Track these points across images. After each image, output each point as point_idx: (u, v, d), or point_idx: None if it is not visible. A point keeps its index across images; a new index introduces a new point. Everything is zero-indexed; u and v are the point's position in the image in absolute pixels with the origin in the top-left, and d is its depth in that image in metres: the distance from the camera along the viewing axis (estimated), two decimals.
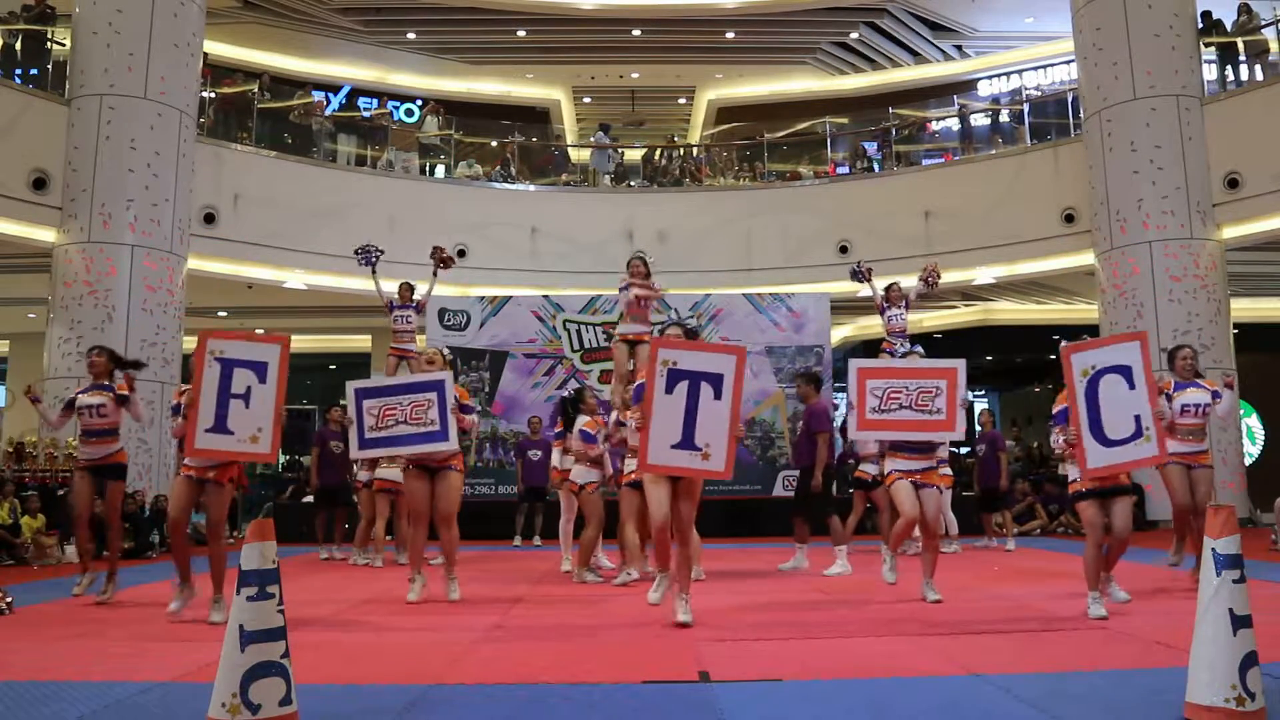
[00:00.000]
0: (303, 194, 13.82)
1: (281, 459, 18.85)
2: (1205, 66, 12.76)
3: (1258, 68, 12.88)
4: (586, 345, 13.17)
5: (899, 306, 9.69)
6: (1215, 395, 6.03)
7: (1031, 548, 9.77)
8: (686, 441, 4.79)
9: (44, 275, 11.68)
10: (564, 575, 7.48)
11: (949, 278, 14.77)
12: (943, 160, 15.71)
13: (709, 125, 20.50)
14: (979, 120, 16.57)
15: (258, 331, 18.25)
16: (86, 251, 11.10)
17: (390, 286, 10.17)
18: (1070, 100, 14.61)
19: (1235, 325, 12.52)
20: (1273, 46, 13.04)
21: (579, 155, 17.73)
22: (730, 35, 18.09)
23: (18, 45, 12.24)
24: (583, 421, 7.34)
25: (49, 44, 12.22)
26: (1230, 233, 12.23)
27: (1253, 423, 15.86)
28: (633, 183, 16.42)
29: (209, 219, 12.89)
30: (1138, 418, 4.86)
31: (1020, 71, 18.91)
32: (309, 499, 11.15)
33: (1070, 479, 5.29)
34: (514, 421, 12.74)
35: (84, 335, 10.87)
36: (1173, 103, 12.14)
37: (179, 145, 11.71)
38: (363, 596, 6.43)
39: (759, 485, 12.73)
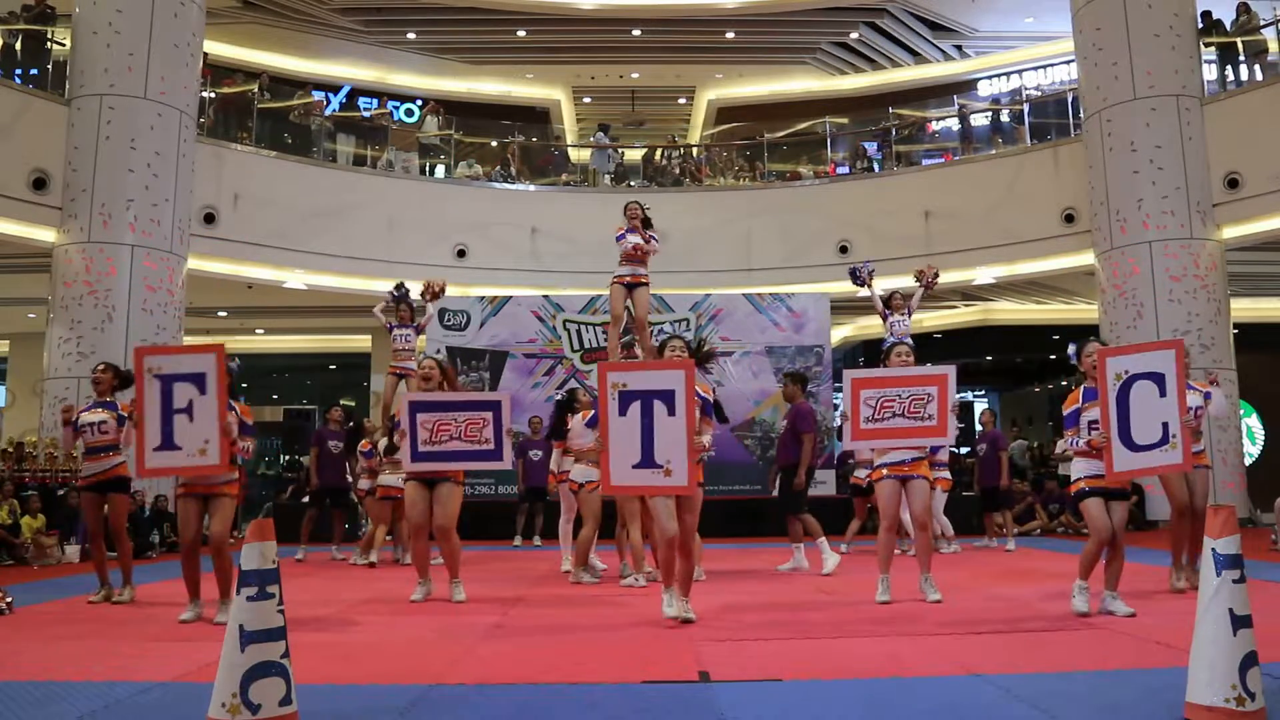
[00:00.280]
0: (303, 194, 13.82)
1: (282, 458, 18.89)
2: (1205, 66, 12.76)
3: (1257, 68, 12.88)
4: (586, 345, 13.17)
5: (902, 313, 9.65)
6: (1206, 396, 6.02)
7: (1031, 548, 9.76)
8: (647, 460, 4.82)
9: (44, 275, 11.68)
10: (563, 575, 7.47)
11: (949, 278, 14.77)
12: (943, 160, 15.71)
13: (709, 125, 20.50)
14: (979, 120, 16.57)
15: (258, 331, 18.29)
16: (86, 251, 11.10)
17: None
18: (1070, 100, 14.61)
19: (1235, 325, 12.52)
20: (1272, 46, 13.05)
21: (579, 155, 17.72)
22: (730, 35, 18.09)
23: (18, 45, 12.24)
24: (580, 417, 7.32)
25: (49, 44, 12.21)
26: (1230, 233, 12.23)
27: (1253, 423, 15.86)
28: (633, 183, 16.42)
29: (209, 219, 12.89)
30: (1165, 425, 4.89)
31: (1020, 71, 18.91)
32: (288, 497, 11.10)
33: (1072, 478, 5.29)
34: (514, 421, 12.68)
35: (84, 335, 10.88)
36: (1173, 103, 12.14)
37: (179, 145, 11.71)
38: (363, 596, 6.43)
39: (759, 485, 12.73)
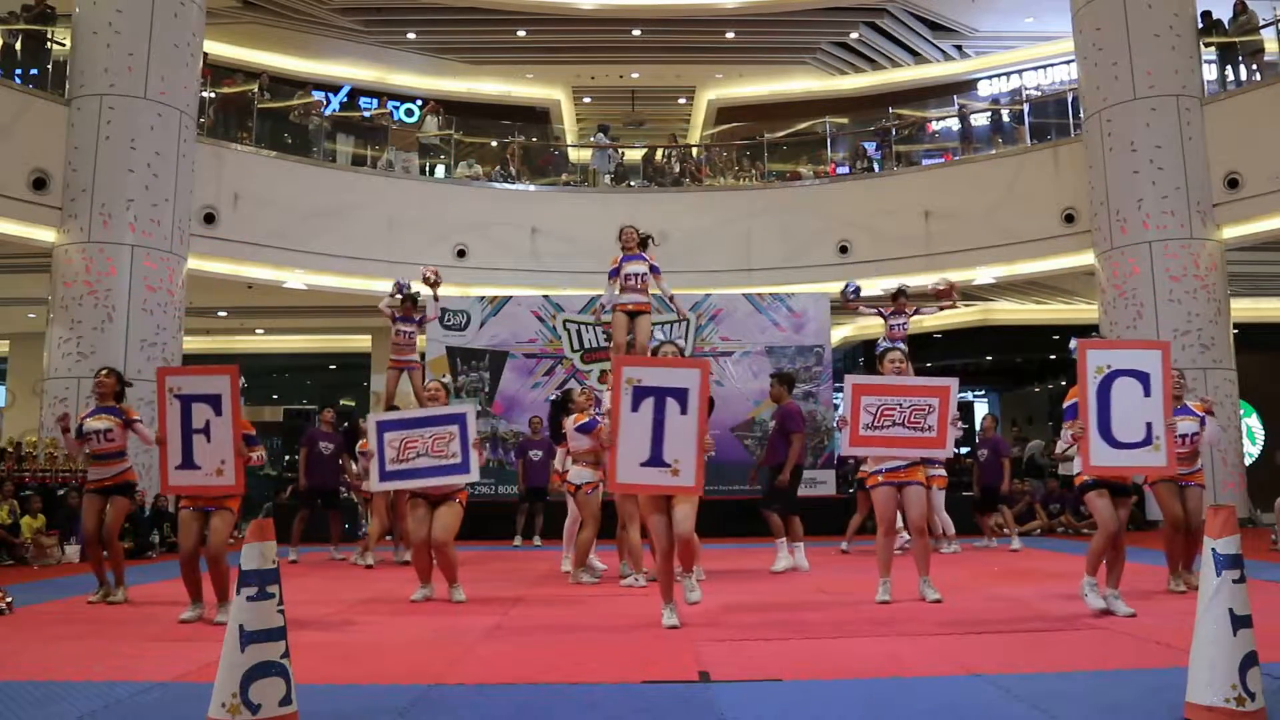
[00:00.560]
0: (303, 194, 13.82)
1: (284, 459, 18.87)
2: (1205, 66, 12.77)
3: (1254, 67, 12.87)
4: (586, 345, 13.17)
5: (904, 315, 9.60)
6: (1202, 421, 6.01)
7: (1031, 548, 9.76)
8: (655, 459, 4.79)
9: (44, 275, 11.68)
10: (563, 575, 7.47)
11: (950, 277, 14.80)
12: (943, 160, 15.71)
13: (709, 125, 20.50)
14: (979, 120, 16.57)
15: (258, 331, 18.29)
16: (86, 251, 11.10)
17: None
18: (1070, 100, 14.61)
19: (1235, 325, 12.52)
20: (1271, 46, 13.05)
21: (579, 155, 17.73)
22: (730, 35, 18.09)
23: (18, 45, 12.23)
24: (574, 419, 7.30)
25: (49, 44, 12.21)
26: (1230, 233, 12.23)
27: (1253, 423, 15.86)
28: (633, 183, 16.42)
29: (209, 219, 12.89)
30: (1149, 425, 4.87)
31: (1020, 71, 18.91)
32: (287, 498, 11.07)
33: (1074, 473, 5.29)
34: (514, 421, 12.75)
35: (84, 335, 10.88)
36: (1173, 103, 12.14)
37: (179, 145, 11.71)
38: (362, 596, 6.43)
39: (759, 485, 12.72)
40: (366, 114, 17.32)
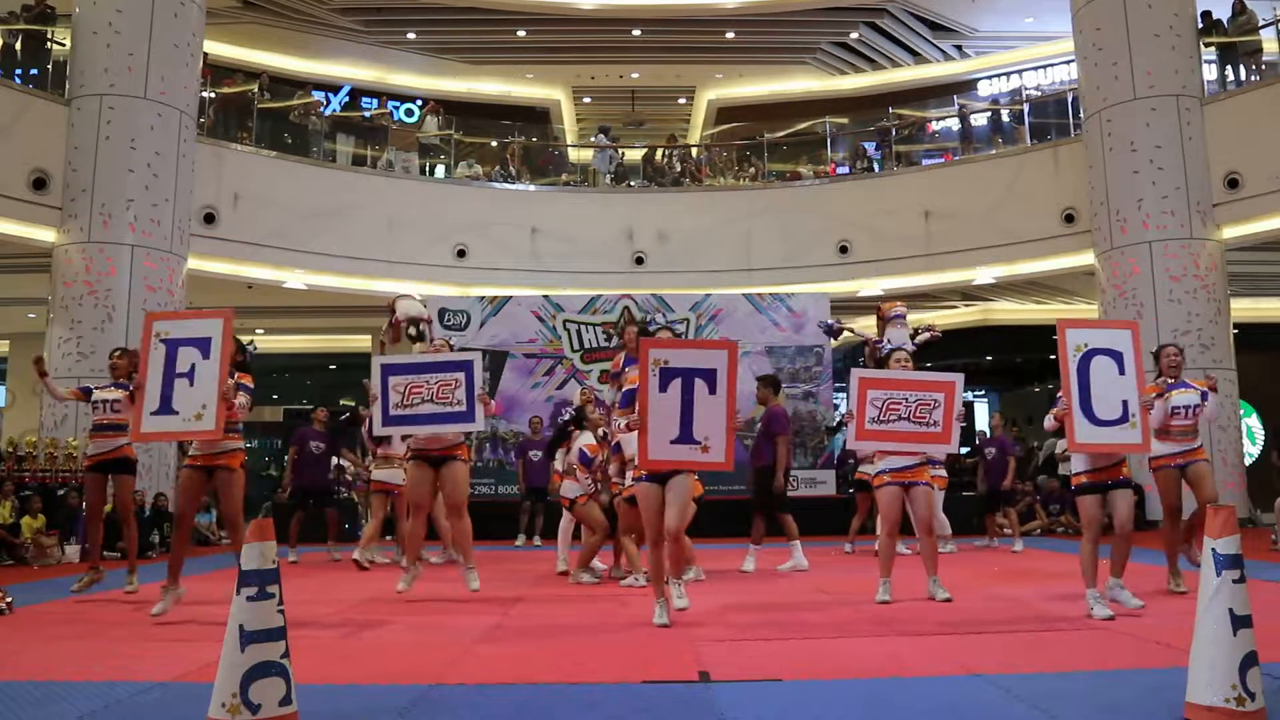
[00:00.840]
0: (303, 194, 13.82)
1: (283, 459, 18.84)
2: (1205, 66, 12.76)
3: (1253, 67, 12.87)
4: (586, 345, 13.18)
5: (899, 329, 9.48)
6: (1204, 396, 6.01)
7: (1032, 548, 9.76)
8: (685, 436, 4.84)
9: (44, 275, 11.68)
10: (561, 576, 7.46)
11: (949, 277, 14.84)
12: (943, 160, 15.71)
13: (709, 125, 20.50)
14: (979, 120, 16.57)
15: (258, 331, 18.27)
16: (86, 251, 11.09)
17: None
18: (1070, 100, 14.60)
19: (1235, 325, 12.52)
20: (1270, 46, 13.04)
21: (579, 155, 17.73)
22: (730, 35, 18.09)
23: (18, 45, 12.23)
24: (584, 441, 7.32)
25: (49, 44, 12.20)
26: (1230, 233, 12.22)
27: (1253, 423, 15.86)
28: (633, 183, 16.42)
29: (209, 219, 12.89)
30: (1125, 403, 4.98)
31: (1020, 71, 18.91)
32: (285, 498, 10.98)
33: (1073, 473, 5.29)
34: (514, 421, 12.74)
35: (84, 335, 10.88)
36: (1173, 103, 12.14)
37: (179, 145, 11.71)
38: (363, 596, 6.43)
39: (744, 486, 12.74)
40: (367, 114, 17.31)
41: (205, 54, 13.17)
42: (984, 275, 14.68)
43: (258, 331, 18.35)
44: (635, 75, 19.64)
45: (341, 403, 19.81)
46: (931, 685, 3.50)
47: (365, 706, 3.27)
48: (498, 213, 14.97)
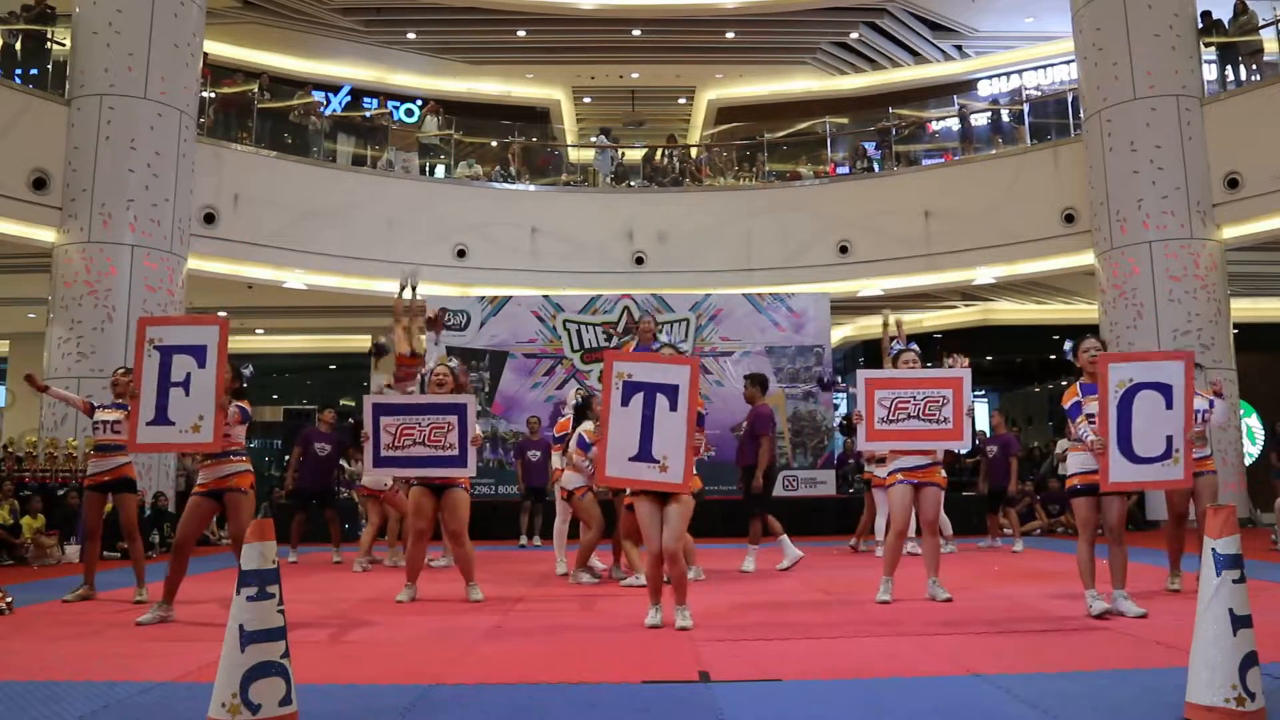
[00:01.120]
0: (303, 194, 13.82)
1: (284, 459, 18.85)
2: (1205, 66, 12.76)
3: (1254, 67, 12.88)
4: (586, 345, 13.18)
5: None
6: (1210, 403, 6.01)
7: (1032, 548, 9.76)
8: (644, 454, 4.77)
9: (44, 275, 11.68)
10: (562, 578, 7.44)
11: (949, 277, 14.84)
12: (943, 160, 15.72)
13: (709, 125, 20.50)
14: (979, 120, 16.57)
15: (258, 331, 18.28)
16: (86, 251, 11.10)
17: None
18: (1070, 100, 14.61)
19: (1235, 325, 12.52)
20: (1271, 46, 13.04)
21: (579, 155, 17.74)
22: (730, 35, 18.09)
23: (18, 45, 12.24)
24: (586, 428, 7.31)
25: (49, 44, 12.22)
26: (1230, 233, 12.23)
27: (1253, 423, 15.86)
28: (633, 183, 16.43)
29: (209, 219, 12.89)
30: (1169, 438, 4.82)
31: (1020, 71, 18.91)
32: (284, 498, 10.99)
33: (1068, 474, 5.28)
34: (514, 421, 12.75)
35: (84, 335, 10.88)
36: (1173, 103, 12.14)
37: (179, 145, 11.71)
38: (362, 596, 6.43)
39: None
40: (367, 114, 17.32)
41: (205, 54, 13.17)
42: (984, 275, 14.68)
43: (258, 332, 18.37)
44: (635, 75, 19.65)
45: (342, 403, 19.83)
46: (931, 685, 3.50)
47: (365, 706, 3.27)
48: (498, 213, 14.97)
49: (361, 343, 18.07)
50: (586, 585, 6.94)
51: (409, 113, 18.70)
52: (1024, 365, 19.59)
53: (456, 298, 13.83)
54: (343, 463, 11.25)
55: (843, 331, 18.43)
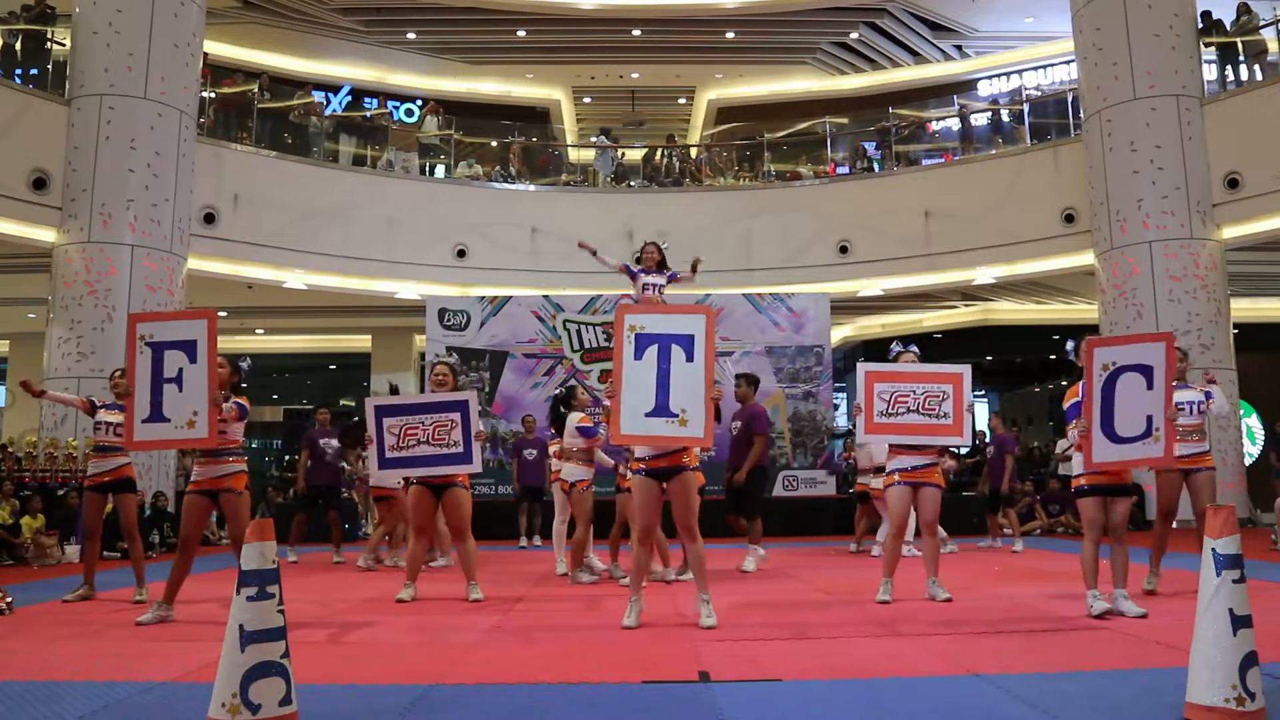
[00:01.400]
0: (303, 194, 13.82)
1: (284, 459, 18.87)
2: (1205, 66, 12.76)
3: (1256, 68, 12.89)
4: (587, 345, 13.18)
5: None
6: (1208, 395, 6.01)
7: (1032, 548, 9.76)
8: (661, 408, 4.64)
9: (44, 275, 11.68)
10: (562, 578, 7.42)
11: (949, 277, 14.84)
12: (943, 160, 15.72)
13: (709, 125, 20.50)
14: (979, 120, 16.58)
15: (258, 331, 18.29)
16: (86, 251, 11.09)
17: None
18: (1070, 100, 14.61)
19: (1235, 325, 12.52)
20: (1272, 46, 13.05)
21: (579, 155, 17.74)
22: (730, 35, 18.09)
23: (18, 45, 12.24)
24: (576, 419, 7.30)
25: (49, 44, 12.21)
26: (1230, 233, 12.23)
27: (1253, 423, 15.86)
28: (633, 183, 16.43)
29: (209, 219, 12.89)
30: (1150, 418, 4.84)
31: (1020, 71, 18.92)
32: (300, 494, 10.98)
33: (1073, 475, 5.28)
34: (514, 421, 12.76)
35: (84, 335, 10.88)
36: (1173, 103, 12.14)
37: (179, 145, 11.71)
38: (362, 596, 6.43)
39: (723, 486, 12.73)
40: (367, 114, 17.32)
41: (205, 54, 13.17)
42: (984, 275, 14.68)
43: (258, 332, 18.38)
44: (635, 75, 19.65)
45: (342, 402, 19.83)
46: (931, 685, 3.50)
47: (365, 706, 3.27)
48: (498, 213, 14.97)
49: (362, 343, 18.12)
50: (586, 584, 6.94)
51: (409, 113, 18.71)
52: (1024, 365, 19.60)
53: (456, 298, 13.84)
54: (343, 464, 11.25)
55: (843, 331, 18.43)
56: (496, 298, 13.54)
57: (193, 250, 12.23)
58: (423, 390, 7.16)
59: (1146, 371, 4.86)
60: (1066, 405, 5.19)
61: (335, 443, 9.73)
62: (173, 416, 4.97)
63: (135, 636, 4.80)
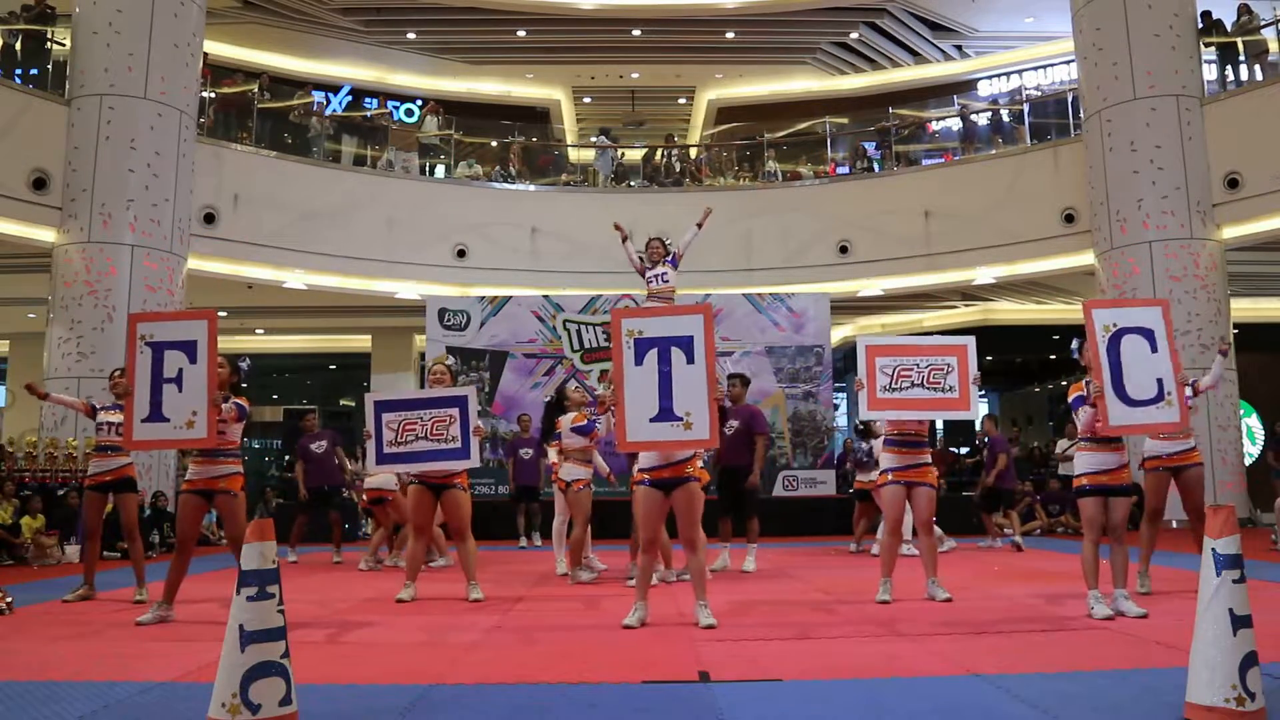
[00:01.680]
0: (303, 194, 13.82)
1: (284, 459, 18.86)
2: (1205, 66, 12.76)
3: (1257, 68, 12.89)
4: (586, 345, 13.18)
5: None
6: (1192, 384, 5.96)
7: (1032, 548, 9.76)
8: (665, 413, 4.61)
9: (44, 275, 11.68)
10: (562, 578, 7.41)
11: (949, 277, 14.83)
12: (943, 160, 15.72)
13: (709, 125, 20.50)
14: (979, 120, 16.57)
15: (258, 331, 18.29)
16: (86, 251, 11.09)
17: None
18: (1070, 100, 14.61)
19: (1235, 325, 12.52)
20: (1272, 46, 13.04)
21: (579, 155, 17.73)
22: (730, 35, 18.09)
23: (18, 45, 12.23)
24: (571, 418, 7.30)
25: (49, 44, 12.21)
26: (1230, 233, 12.22)
27: (1253, 423, 15.86)
28: (633, 183, 16.42)
29: (209, 219, 12.89)
30: (1160, 381, 4.78)
31: (1020, 71, 18.92)
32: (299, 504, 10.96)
33: (1075, 474, 5.28)
34: (514, 422, 12.74)
35: (84, 335, 10.88)
36: (1173, 103, 12.14)
37: (179, 145, 11.70)
38: (362, 596, 6.43)
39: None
40: (367, 114, 17.32)
41: (205, 54, 13.16)
42: (984, 275, 14.68)
43: (258, 332, 18.38)
44: (635, 75, 19.65)
45: (342, 402, 19.83)
46: (931, 685, 3.50)
47: (365, 706, 3.27)
48: (498, 213, 14.97)
49: (361, 343, 18.11)
50: (586, 584, 6.93)
51: (409, 113, 18.71)
52: (1024, 365, 19.60)
53: (456, 298, 13.84)
54: (344, 462, 11.23)
55: (843, 331, 18.42)
56: (496, 298, 13.53)
57: (193, 250, 12.22)
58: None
59: (1148, 335, 4.82)
60: (1071, 398, 5.15)
61: (325, 443, 9.76)
62: (172, 416, 4.97)
63: (135, 636, 4.80)
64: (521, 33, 17.80)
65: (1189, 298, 11.87)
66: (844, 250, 14.76)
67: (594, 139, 17.40)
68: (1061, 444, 11.76)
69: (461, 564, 6.26)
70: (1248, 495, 11.96)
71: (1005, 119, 15.96)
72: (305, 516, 9.77)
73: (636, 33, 17.75)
